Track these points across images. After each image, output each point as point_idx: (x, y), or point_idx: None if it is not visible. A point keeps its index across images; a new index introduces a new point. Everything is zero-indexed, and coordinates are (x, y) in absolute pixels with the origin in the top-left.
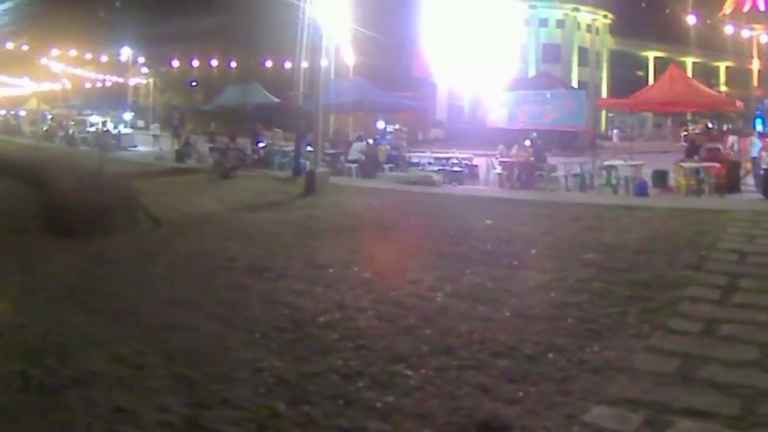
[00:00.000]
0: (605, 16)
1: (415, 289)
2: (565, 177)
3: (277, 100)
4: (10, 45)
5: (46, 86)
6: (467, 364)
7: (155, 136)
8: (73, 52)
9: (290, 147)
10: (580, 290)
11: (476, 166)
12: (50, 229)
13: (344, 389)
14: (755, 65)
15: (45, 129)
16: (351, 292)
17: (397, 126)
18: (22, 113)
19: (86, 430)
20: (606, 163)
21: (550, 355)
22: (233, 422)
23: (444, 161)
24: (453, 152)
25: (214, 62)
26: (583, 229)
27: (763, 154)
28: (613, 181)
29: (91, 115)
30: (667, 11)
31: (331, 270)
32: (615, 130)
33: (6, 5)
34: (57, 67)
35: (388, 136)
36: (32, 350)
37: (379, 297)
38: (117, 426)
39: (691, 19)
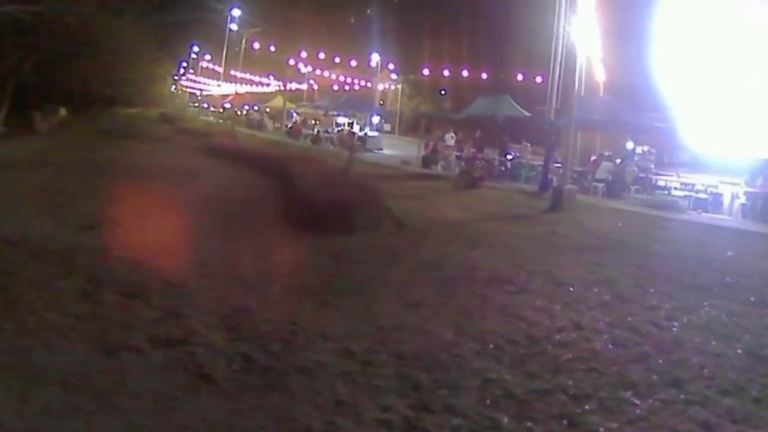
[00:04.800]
0: None
1: (652, 316)
2: None
3: (527, 113)
4: (257, 45)
5: (292, 85)
6: (694, 399)
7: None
8: (321, 55)
9: (538, 161)
10: None
11: (720, 194)
12: (292, 221)
13: (570, 410)
14: None
15: (289, 126)
16: (589, 312)
17: (646, 147)
18: (267, 110)
19: (304, 417)
20: None
21: None
22: (453, 430)
23: (690, 187)
24: (699, 177)
25: (465, 72)
26: None
27: None
28: None
29: (338, 116)
30: None
31: (571, 288)
32: None
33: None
34: (304, 68)
35: (636, 157)
36: (259, 335)
37: (616, 321)
38: (336, 418)
39: None
